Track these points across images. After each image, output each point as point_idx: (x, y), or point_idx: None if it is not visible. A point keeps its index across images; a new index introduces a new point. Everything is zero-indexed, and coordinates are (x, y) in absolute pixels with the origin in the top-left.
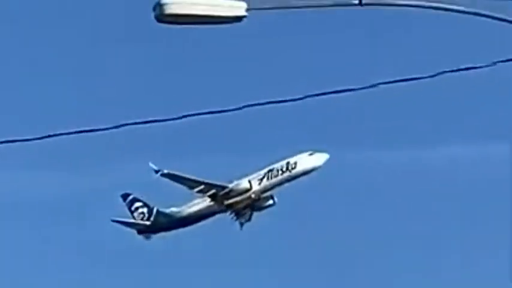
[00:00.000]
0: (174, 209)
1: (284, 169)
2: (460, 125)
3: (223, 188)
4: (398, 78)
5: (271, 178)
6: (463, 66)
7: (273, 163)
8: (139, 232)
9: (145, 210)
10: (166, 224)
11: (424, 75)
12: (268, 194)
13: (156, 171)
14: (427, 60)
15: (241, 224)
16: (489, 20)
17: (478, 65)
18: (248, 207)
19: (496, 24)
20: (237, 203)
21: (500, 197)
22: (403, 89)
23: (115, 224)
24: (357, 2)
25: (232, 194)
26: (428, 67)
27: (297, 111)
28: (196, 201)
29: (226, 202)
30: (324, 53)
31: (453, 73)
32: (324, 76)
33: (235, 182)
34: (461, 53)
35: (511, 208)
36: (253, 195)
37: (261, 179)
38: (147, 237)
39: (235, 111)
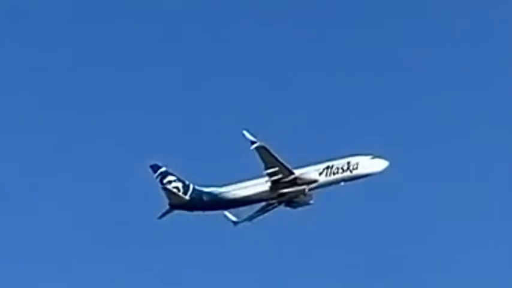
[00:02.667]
0: (219, 189)
1: (345, 168)
2: None
3: (291, 173)
4: None
5: (329, 175)
6: None
7: (329, 160)
8: (172, 207)
9: (179, 185)
10: (208, 203)
11: None
12: (313, 192)
13: (252, 142)
14: None
15: (235, 223)
16: None
17: None
18: (286, 201)
19: None
20: (288, 193)
21: None
22: None
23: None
24: None
25: (296, 182)
26: None
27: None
28: (243, 184)
29: (282, 191)
30: None
31: None
32: None
33: (301, 171)
34: None
35: None
36: (307, 189)
37: (319, 174)
38: (164, 214)
39: None
